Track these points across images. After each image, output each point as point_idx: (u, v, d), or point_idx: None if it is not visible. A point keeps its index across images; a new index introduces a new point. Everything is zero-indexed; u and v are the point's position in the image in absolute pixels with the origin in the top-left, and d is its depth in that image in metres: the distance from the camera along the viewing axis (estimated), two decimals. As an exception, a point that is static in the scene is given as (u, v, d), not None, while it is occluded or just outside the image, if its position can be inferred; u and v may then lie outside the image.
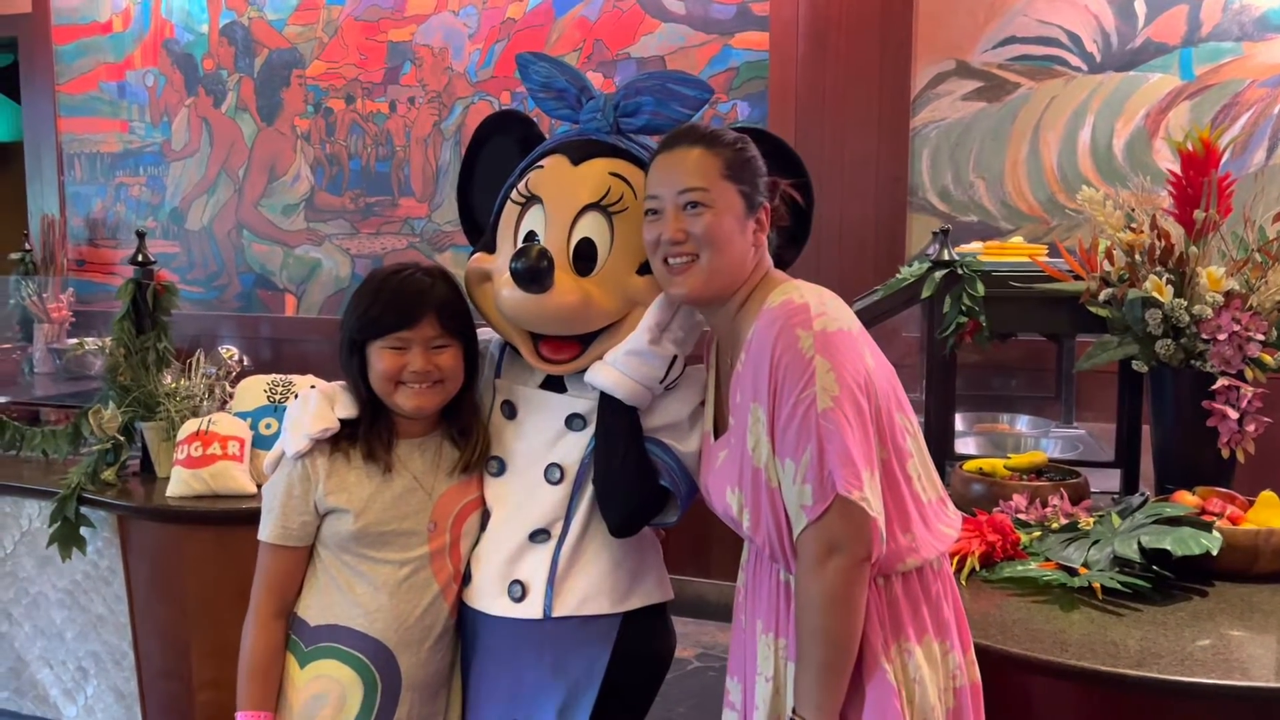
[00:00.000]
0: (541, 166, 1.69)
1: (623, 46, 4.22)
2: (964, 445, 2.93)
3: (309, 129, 4.80)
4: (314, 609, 1.69)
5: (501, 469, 1.72)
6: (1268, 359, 2.13)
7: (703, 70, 4.07)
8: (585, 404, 1.67)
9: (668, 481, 1.63)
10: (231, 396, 2.79)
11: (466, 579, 1.72)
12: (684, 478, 1.64)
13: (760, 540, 1.49)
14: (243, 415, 2.67)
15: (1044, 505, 2.13)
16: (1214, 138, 2.23)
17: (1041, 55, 3.67)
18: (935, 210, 3.83)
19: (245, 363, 2.98)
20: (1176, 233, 2.24)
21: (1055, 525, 2.06)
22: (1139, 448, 2.47)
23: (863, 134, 3.90)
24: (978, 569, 1.92)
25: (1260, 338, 2.13)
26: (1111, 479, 2.50)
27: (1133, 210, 2.31)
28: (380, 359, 1.63)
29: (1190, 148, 2.24)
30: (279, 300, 4.95)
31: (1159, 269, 2.22)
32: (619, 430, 1.62)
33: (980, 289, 2.42)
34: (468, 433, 1.72)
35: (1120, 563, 1.84)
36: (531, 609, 1.65)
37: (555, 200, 1.64)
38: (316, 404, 1.67)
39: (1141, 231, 2.26)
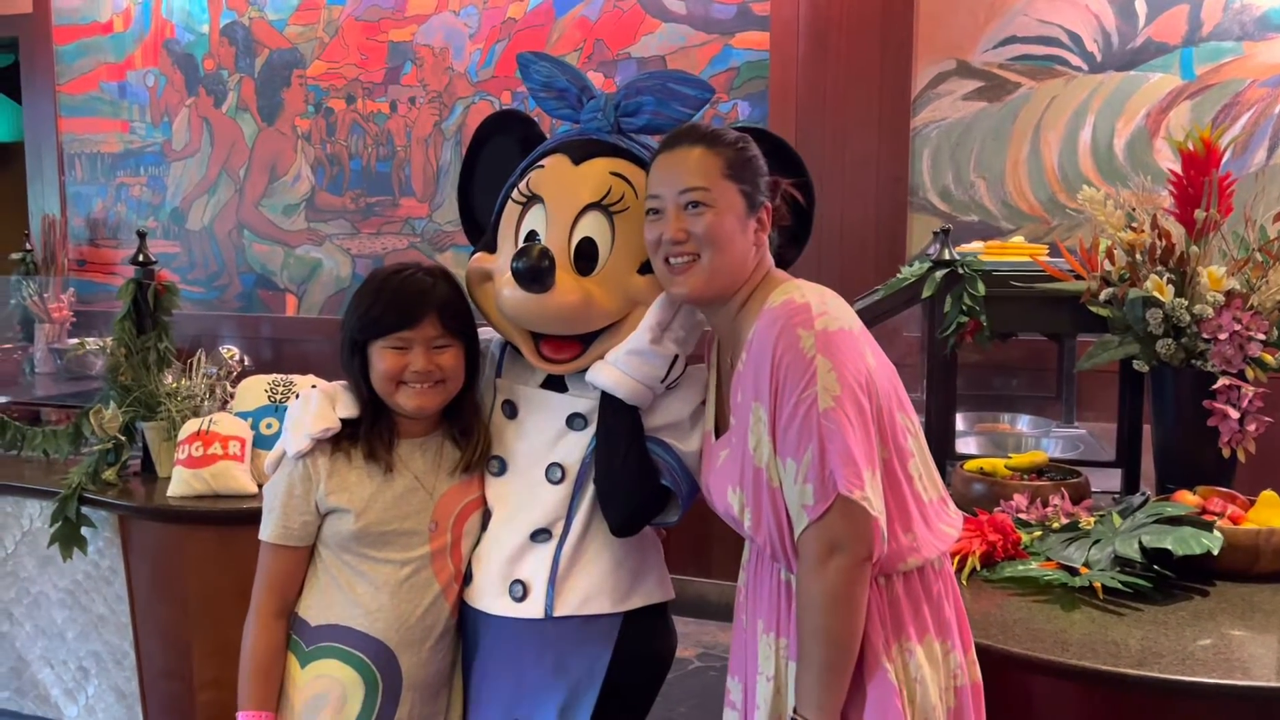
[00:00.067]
0: (542, 166, 1.69)
1: (623, 46, 4.22)
2: (965, 445, 2.93)
3: (310, 129, 4.81)
4: (315, 609, 1.69)
5: (503, 469, 1.72)
6: (1268, 358, 2.13)
7: (703, 70, 4.07)
8: (586, 403, 1.67)
9: (669, 481, 1.63)
10: (232, 396, 2.79)
11: (468, 579, 1.72)
12: (685, 477, 1.64)
13: (761, 540, 1.49)
14: (244, 415, 2.67)
15: (1045, 505, 2.13)
16: (1215, 137, 2.23)
17: (1042, 55, 3.67)
18: (936, 210, 3.83)
19: (246, 363, 2.98)
20: (1177, 232, 2.24)
21: (1056, 525, 2.06)
22: (1140, 447, 2.47)
23: (863, 134, 3.90)
24: (979, 568, 1.92)
25: (1261, 337, 2.13)
26: (1112, 479, 2.50)
27: (1133, 210, 2.31)
28: (382, 359, 1.63)
29: (1191, 147, 2.24)
30: (280, 300, 4.95)
31: (1160, 268, 2.22)
32: (620, 430, 1.62)
33: (981, 289, 2.42)
34: (469, 432, 1.72)
35: (1121, 562, 1.84)
36: (533, 609, 1.65)
37: (556, 200, 1.64)
38: (318, 404, 1.67)
39: (1142, 231, 2.26)
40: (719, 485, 1.55)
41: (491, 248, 1.73)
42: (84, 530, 2.64)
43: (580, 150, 1.68)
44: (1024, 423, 3.34)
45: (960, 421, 2.94)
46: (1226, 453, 2.16)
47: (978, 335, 2.45)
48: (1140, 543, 1.84)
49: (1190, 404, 2.18)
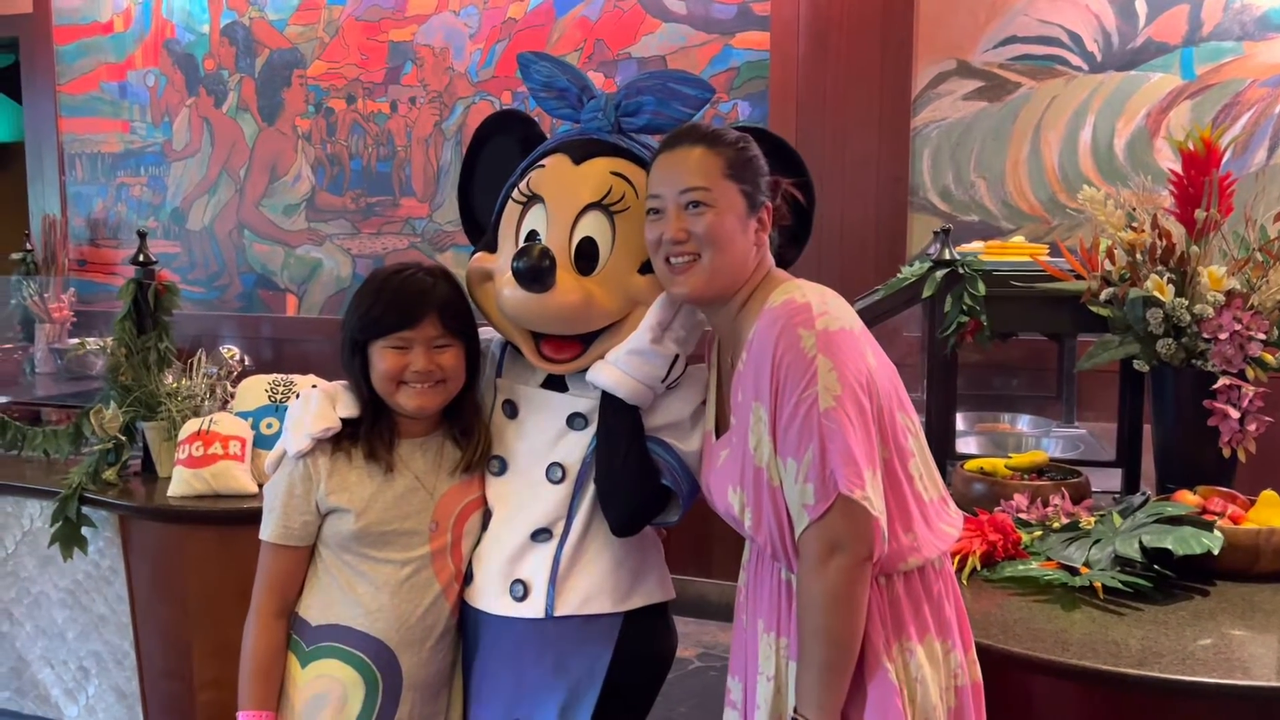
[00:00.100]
0: (543, 166, 1.69)
1: (624, 46, 4.22)
2: (965, 445, 2.93)
3: (310, 129, 4.81)
4: (315, 609, 1.69)
5: (503, 468, 1.72)
6: (1269, 358, 2.13)
7: (704, 70, 4.07)
8: (587, 403, 1.67)
9: (669, 481, 1.63)
10: (233, 396, 2.79)
11: (468, 578, 1.72)
12: (685, 477, 1.64)
13: (762, 539, 1.49)
14: (244, 415, 2.67)
15: (1045, 505, 2.13)
16: (1215, 137, 2.23)
17: (1042, 55, 3.67)
18: (936, 210, 3.83)
19: (246, 362, 2.98)
20: (1178, 232, 2.24)
21: (1056, 525, 2.06)
22: (1140, 447, 2.47)
23: (864, 134, 3.90)
24: (979, 568, 1.92)
25: (1261, 337, 2.13)
26: (1113, 478, 2.50)
27: (1134, 210, 2.31)
28: (382, 359, 1.63)
29: (1191, 147, 2.24)
30: (280, 300, 4.95)
31: (1160, 268, 2.22)
32: (621, 429, 1.62)
33: (981, 288, 2.42)
34: (469, 432, 1.72)
35: (1121, 562, 1.84)
36: (533, 608, 1.65)
37: (557, 199, 1.65)
38: (318, 403, 1.67)
39: (1143, 231, 2.26)
40: (719, 485, 1.55)
41: (492, 247, 1.73)
42: (84, 530, 2.64)
43: (581, 150, 1.68)
44: (1024, 422, 3.34)
45: (960, 421, 2.94)
46: (1227, 452, 2.16)
47: (978, 335, 2.45)
48: (1140, 542, 1.84)
49: (1190, 404, 2.18)
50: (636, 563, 1.70)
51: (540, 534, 1.67)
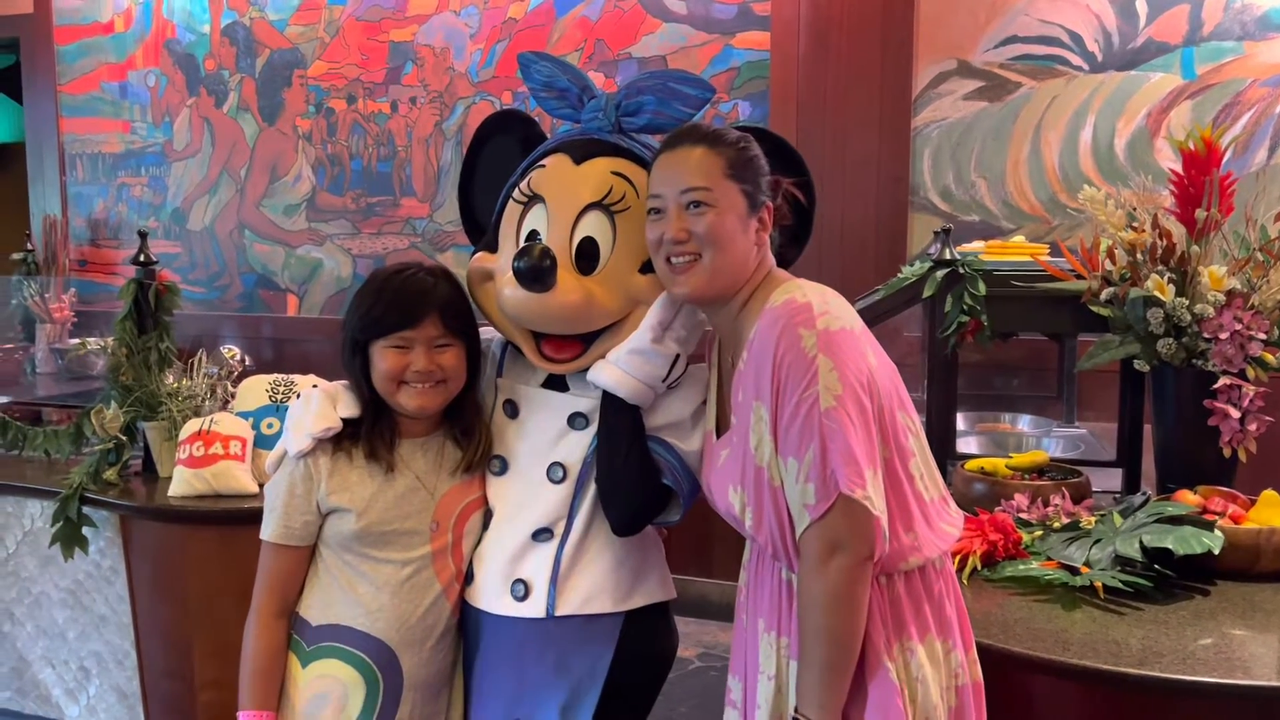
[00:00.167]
0: (543, 166, 1.69)
1: (624, 46, 4.22)
2: (966, 444, 2.93)
3: (310, 129, 4.81)
4: (316, 608, 1.69)
5: (504, 468, 1.73)
6: (1269, 358, 2.13)
7: (704, 70, 4.07)
8: (587, 403, 1.67)
9: (670, 480, 1.63)
10: (233, 396, 2.79)
11: (469, 578, 1.72)
12: (686, 476, 1.64)
13: (762, 539, 1.49)
14: (244, 415, 2.67)
15: (1046, 504, 2.13)
16: (1215, 137, 2.23)
17: (1043, 55, 3.67)
18: (937, 210, 3.83)
19: (247, 363, 2.98)
20: (1178, 232, 2.24)
21: (1057, 524, 2.06)
22: (1140, 447, 2.47)
23: (864, 134, 3.90)
24: (980, 568, 1.92)
25: (1262, 337, 2.13)
26: (1113, 478, 2.50)
27: (1134, 209, 2.31)
28: (383, 358, 1.64)
29: (1192, 147, 2.24)
30: (281, 300, 4.95)
31: (1160, 268, 2.22)
32: (621, 429, 1.62)
33: (982, 288, 2.42)
34: (470, 432, 1.72)
35: (1122, 562, 1.84)
36: (534, 608, 1.65)
37: (557, 199, 1.65)
38: (319, 403, 1.67)
39: (1143, 231, 2.26)
40: (720, 484, 1.55)
41: (493, 247, 1.73)
42: (85, 530, 2.64)
43: (581, 150, 1.68)
44: (1025, 422, 3.34)
45: (961, 421, 2.93)
46: (1227, 452, 2.16)
47: (978, 335, 2.45)
48: (1141, 542, 1.84)
49: (1191, 403, 2.18)
50: (637, 562, 1.70)
51: (541, 534, 1.67)
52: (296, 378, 2.72)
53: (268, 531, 1.68)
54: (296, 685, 1.68)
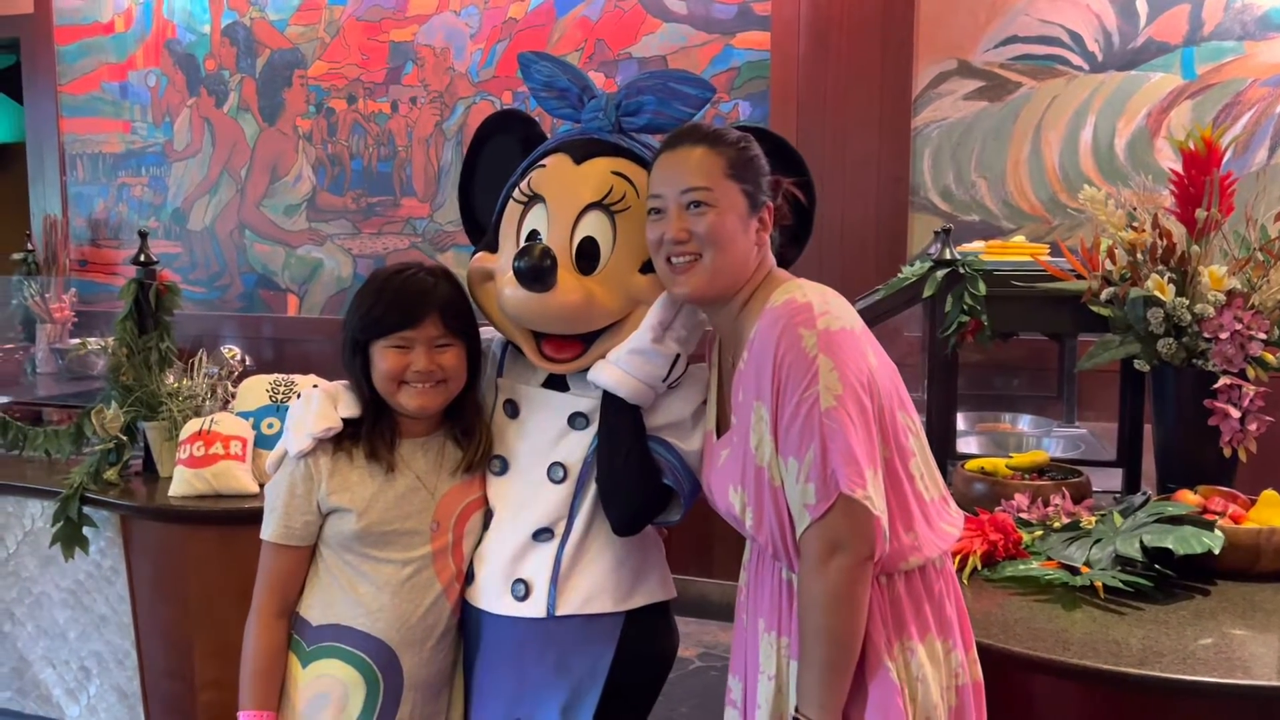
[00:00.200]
0: (544, 165, 1.69)
1: (624, 46, 4.22)
2: (966, 444, 2.93)
3: (311, 129, 4.81)
4: (316, 608, 1.69)
5: (504, 468, 1.73)
6: (1269, 358, 2.13)
7: (704, 70, 4.07)
8: (588, 403, 1.67)
9: (671, 480, 1.63)
10: (234, 396, 2.79)
11: (469, 578, 1.72)
12: (687, 476, 1.64)
13: (763, 539, 1.49)
14: (245, 415, 2.67)
15: (1046, 504, 2.13)
16: (1216, 137, 2.23)
17: (1043, 55, 3.68)
18: (937, 210, 3.83)
19: (247, 362, 2.98)
20: (1178, 232, 2.24)
21: (1057, 524, 2.06)
22: (1141, 447, 2.47)
23: (864, 133, 3.90)
24: (980, 568, 1.92)
25: (1262, 336, 2.13)
26: (1113, 478, 2.50)
27: (1134, 209, 2.31)
28: (383, 358, 1.64)
29: (1192, 147, 2.24)
30: (281, 300, 4.95)
31: (1161, 268, 2.22)
32: (622, 429, 1.62)
33: (982, 288, 2.42)
34: (470, 432, 1.73)
35: (1122, 561, 1.84)
36: (535, 608, 1.65)
37: (558, 199, 1.65)
38: (319, 403, 1.67)
39: (1143, 230, 2.26)
40: (720, 484, 1.55)
41: (493, 247, 1.73)
42: (86, 530, 2.65)
43: (581, 150, 1.68)
44: (1025, 422, 3.34)
45: (961, 421, 2.93)
46: (1228, 452, 2.16)
47: (979, 335, 2.45)
48: (1141, 542, 1.84)
49: (1191, 403, 2.18)
50: (638, 562, 1.70)
51: (542, 533, 1.67)
52: (297, 378, 2.72)
53: (268, 531, 1.68)
54: (297, 685, 1.68)
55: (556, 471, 1.67)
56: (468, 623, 1.74)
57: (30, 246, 5.10)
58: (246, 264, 4.99)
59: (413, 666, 1.68)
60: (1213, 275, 2.16)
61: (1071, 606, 1.78)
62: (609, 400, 1.62)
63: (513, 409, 1.74)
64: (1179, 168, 2.27)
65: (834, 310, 1.44)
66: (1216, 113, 3.48)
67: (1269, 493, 2.02)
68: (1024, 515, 2.11)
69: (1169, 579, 1.84)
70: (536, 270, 1.56)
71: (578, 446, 1.67)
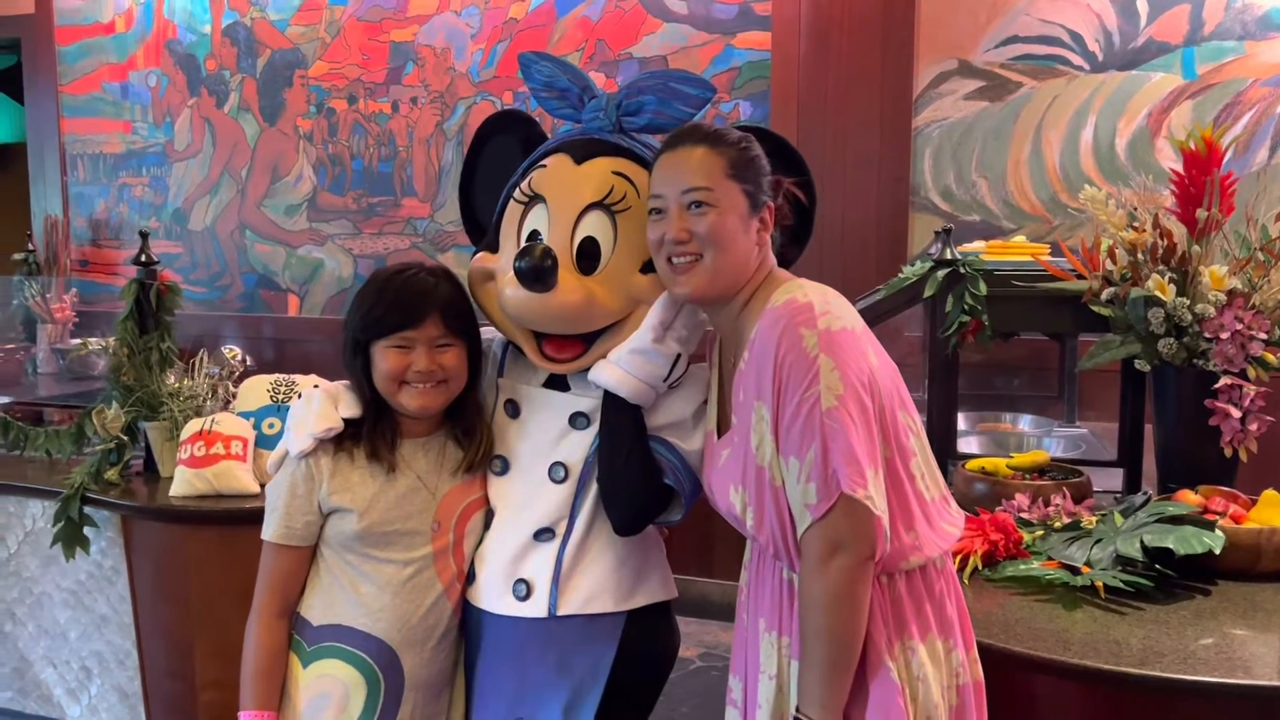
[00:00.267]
0: (544, 166, 1.69)
1: (625, 46, 4.22)
2: (966, 444, 2.93)
3: (311, 129, 4.81)
4: (317, 609, 1.69)
5: (505, 468, 1.73)
6: (1270, 358, 2.13)
7: (705, 70, 4.07)
8: (589, 402, 1.67)
9: (672, 480, 1.63)
10: (234, 396, 2.79)
11: (470, 578, 1.72)
12: (688, 476, 1.64)
13: (764, 539, 1.49)
14: (246, 415, 2.67)
15: (1046, 504, 2.13)
16: (1216, 137, 2.23)
17: (1044, 55, 3.67)
18: (937, 209, 3.83)
19: (248, 363, 2.98)
20: (1179, 232, 2.23)
21: (1058, 524, 2.06)
22: (1141, 447, 2.47)
23: (865, 133, 3.90)
24: (980, 568, 1.92)
25: (1263, 336, 2.13)
26: (1114, 478, 2.50)
27: (1135, 209, 2.31)
28: (384, 358, 1.64)
29: (1192, 147, 2.24)
30: (282, 300, 4.95)
31: (1161, 268, 2.22)
32: (623, 429, 1.62)
33: (983, 288, 2.42)
34: (471, 432, 1.73)
35: (1123, 561, 1.84)
36: (536, 608, 1.65)
37: (558, 199, 1.65)
38: (320, 403, 1.67)
39: (1144, 230, 2.26)
40: (721, 484, 1.55)
41: (494, 247, 1.73)
42: (86, 530, 2.65)
43: (582, 150, 1.68)
44: (1026, 422, 3.34)
45: (962, 421, 2.93)
46: (1228, 452, 2.16)
47: (979, 335, 2.45)
48: (1142, 542, 1.84)
49: (1192, 403, 2.18)
50: (639, 562, 1.70)
51: (543, 533, 1.67)
52: (298, 378, 2.72)
53: (269, 531, 1.68)
54: (298, 685, 1.68)
55: (558, 471, 1.67)
56: (469, 623, 1.74)
57: (31, 247, 5.11)
58: (247, 264, 4.99)
59: (414, 667, 1.68)
60: (1213, 275, 2.16)
61: (1072, 606, 1.78)
62: (610, 400, 1.62)
63: (514, 409, 1.74)
64: (1180, 168, 2.27)
65: (835, 310, 1.44)
66: (1217, 113, 3.48)
67: (1270, 493, 2.02)
68: (1025, 515, 2.12)
69: (1170, 579, 1.84)
70: (537, 270, 1.56)
71: (579, 446, 1.67)
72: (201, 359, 2.85)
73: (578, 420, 1.67)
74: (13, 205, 6.04)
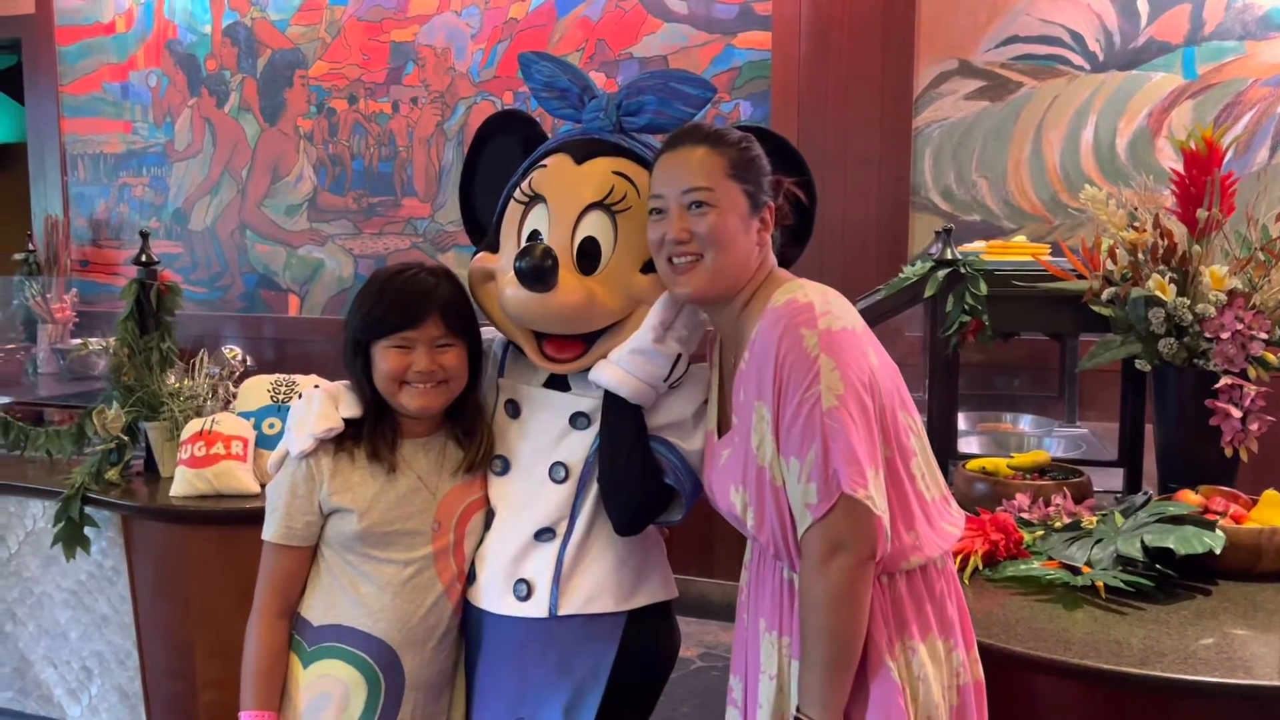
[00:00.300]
0: (545, 166, 1.69)
1: (625, 46, 4.22)
2: (967, 444, 2.93)
3: (312, 129, 4.81)
4: (318, 609, 1.69)
5: (506, 468, 1.73)
6: (1271, 357, 2.13)
7: (705, 70, 4.07)
8: (589, 402, 1.67)
9: (672, 480, 1.63)
10: (235, 396, 2.79)
11: (471, 578, 1.72)
12: (688, 476, 1.64)
13: (764, 538, 1.49)
14: (246, 415, 2.67)
15: (1047, 504, 2.13)
16: (1217, 137, 2.23)
17: (1044, 54, 3.67)
18: (938, 209, 3.83)
19: (248, 363, 2.99)
20: (1179, 232, 2.23)
21: (1058, 524, 2.06)
22: (1142, 447, 2.47)
23: (865, 133, 3.90)
24: (981, 568, 1.92)
25: (1263, 336, 2.13)
26: (1114, 478, 2.50)
27: (1135, 209, 2.31)
28: (385, 359, 1.64)
29: (1193, 146, 2.24)
30: (282, 300, 4.95)
31: (1162, 268, 2.22)
32: (623, 428, 1.62)
33: (983, 288, 2.42)
34: (472, 432, 1.73)
35: (1123, 561, 1.84)
36: (537, 608, 1.65)
37: (559, 199, 1.65)
38: (321, 403, 1.67)
39: (1144, 230, 2.26)
40: (721, 484, 1.55)
41: (494, 247, 1.73)
42: (87, 530, 2.65)
43: (582, 150, 1.68)
44: (1026, 422, 3.34)
45: (962, 421, 2.93)
46: (1229, 452, 2.16)
47: (980, 335, 2.45)
48: (1142, 542, 1.84)
49: (1192, 403, 2.18)
50: (639, 562, 1.70)
51: (544, 533, 1.67)
52: (298, 378, 2.73)
53: (270, 532, 1.68)
54: (298, 685, 1.68)
55: (558, 471, 1.67)
56: (469, 623, 1.74)
57: (31, 247, 5.11)
58: (248, 264, 4.99)
59: (414, 667, 1.68)
60: (1214, 275, 2.16)
61: (1073, 606, 1.78)
62: (610, 400, 1.62)
63: (514, 409, 1.74)
64: (1180, 167, 2.27)
65: (835, 310, 1.44)
66: (1218, 112, 3.48)
67: (1270, 492, 2.02)
68: (1025, 515, 2.12)
69: (1170, 579, 1.84)
70: (538, 270, 1.56)
71: (579, 446, 1.67)
72: (202, 359, 2.85)
73: (578, 420, 1.67)
74: (13, 205, 6.04)
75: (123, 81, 5.16)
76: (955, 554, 1.84)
